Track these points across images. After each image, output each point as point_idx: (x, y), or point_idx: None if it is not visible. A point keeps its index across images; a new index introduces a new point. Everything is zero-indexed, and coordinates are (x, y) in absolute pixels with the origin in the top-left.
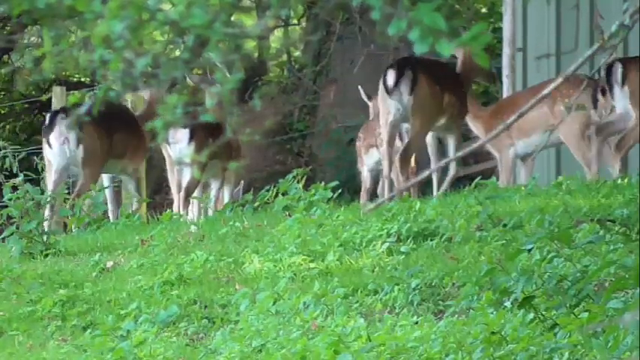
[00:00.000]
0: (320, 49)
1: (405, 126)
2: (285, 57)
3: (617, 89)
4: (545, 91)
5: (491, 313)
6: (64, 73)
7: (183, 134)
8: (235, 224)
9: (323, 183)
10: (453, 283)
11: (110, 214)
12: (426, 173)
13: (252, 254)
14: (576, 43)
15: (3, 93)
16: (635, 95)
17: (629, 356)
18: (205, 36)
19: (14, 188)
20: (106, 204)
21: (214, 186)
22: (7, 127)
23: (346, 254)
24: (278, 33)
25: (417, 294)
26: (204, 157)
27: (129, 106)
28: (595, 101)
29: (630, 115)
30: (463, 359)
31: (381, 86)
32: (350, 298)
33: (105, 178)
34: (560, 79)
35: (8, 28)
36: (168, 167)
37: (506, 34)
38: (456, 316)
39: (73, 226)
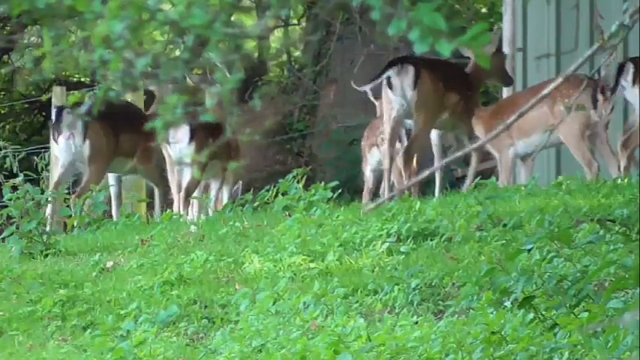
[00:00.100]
0: (320, 49)
1: (408, 122)
2: (285, 57)
3: (628, 89)
4: (545, 91)
5: (491, 313)
6: (64, 73)
7: (183, 134)
8: (235, 224)
9: (323, 183)
10: (453, 283)
11: (114, 210)
12: (426, 173)
13: (252, 254)
14: (576, 43)
15: (3, 93)
16: None
17: (629, 356)
18: (205, 36)
19: (14, 188)
20: (107, 203)
21: (214, 186)
22: (7, 127)
23: (346, 254)
24: (278, 33)
25: (417, 294)
26: (204, 157)
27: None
28: (595, 101)
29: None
30: (463, 359)
31: (384, 83)
32: (350, 298)
33: (110, 177)
34: (560, 79)
35: (8, 28)
36: (168, 167)
37: (506, 34)
38: (456, 316)
39: (74, 224)
